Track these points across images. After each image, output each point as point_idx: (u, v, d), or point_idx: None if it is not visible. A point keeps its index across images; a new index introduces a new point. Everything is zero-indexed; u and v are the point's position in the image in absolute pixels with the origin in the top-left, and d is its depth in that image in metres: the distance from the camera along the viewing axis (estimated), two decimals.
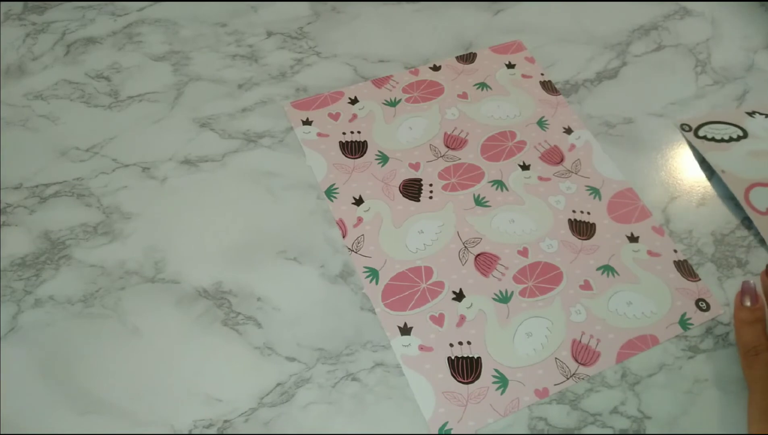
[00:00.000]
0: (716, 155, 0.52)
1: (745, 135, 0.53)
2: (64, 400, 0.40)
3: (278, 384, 0.42)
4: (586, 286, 0.47)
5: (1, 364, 0.42)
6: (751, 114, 0.56)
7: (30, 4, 0.60)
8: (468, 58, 0.60)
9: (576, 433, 0.41)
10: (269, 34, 0.60)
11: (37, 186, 0.49)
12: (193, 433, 0.40)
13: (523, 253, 0.48)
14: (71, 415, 0.40)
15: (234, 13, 0.61)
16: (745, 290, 0.44)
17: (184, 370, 0.42)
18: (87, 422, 0.40)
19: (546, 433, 0.41)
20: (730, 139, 0.53)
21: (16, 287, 0.45)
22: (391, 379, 0.42)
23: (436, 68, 0.59)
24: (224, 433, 0.40)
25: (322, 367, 0.43)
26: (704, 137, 0.54)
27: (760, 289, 0.45)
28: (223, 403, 0.41)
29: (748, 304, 0.44)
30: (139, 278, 0.45)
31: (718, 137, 0.53)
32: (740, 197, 0.50)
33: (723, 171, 0.51)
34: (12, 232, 0.47)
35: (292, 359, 0.43)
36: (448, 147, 0.54)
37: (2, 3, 0.60)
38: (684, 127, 0.55)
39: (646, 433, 0.42)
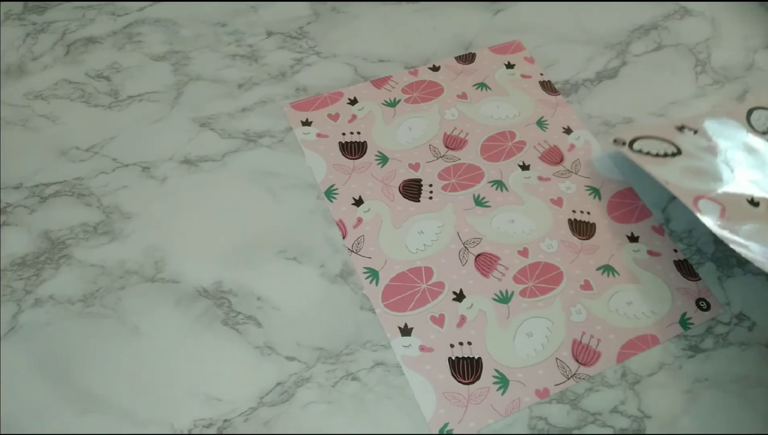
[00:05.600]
0: (657, 169, 0.52)
1: (679, 152, 0.54)
2: (64, 400, 0.40)
3: (278, 383, 0.42)
4: (587, 286, 0.47)
5: (1, 364, 0.42)
6: (680, 129, 0.56)
7: (30, 4, 0.60)
8: (467, 58, 0.60)
9: (576, 432, 0.41)
10: (269, 34, 0.60)
11: (37, 186, 0.49)
12: (192, 432, 0.40)
13: (523, 253, 0.48)
14: (71, 415, 0.40)
15: (234, 13, 0.61)
16: None
17: (184, 370, 0.42)
18: (87, 422, 0.40)
19: (546, 432, 0.41)
20: (666, 155, 0.54)
21: (16, 287, 0.45)
22: (391, 378, 0.42)
23: (435, 68, 0.59)
24: (224, 432, 0.40)
25: (322, 366, 0.43)
26: (640, 151, 0.54)
27: None
28: (223, 402, 0.41)
29: None
30: (139, 278, 0.45)
31: (653, 152, 0.54)
32: (690, 206, 0.49)
33: (668, 182, 0.51)
34: (12, 232, 0.47)
35: (292, 359, 0.43)
36: (447, 147, 0.54)
37: (2, 3, 0.60)
38: (618, 142, 0.54)
39: (646, 432, 0.42)
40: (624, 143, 0.54)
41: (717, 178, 0.52)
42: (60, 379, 0.41)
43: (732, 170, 0.54)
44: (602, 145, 0.55)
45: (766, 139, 0.57)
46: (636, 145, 0.54)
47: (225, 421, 0.40)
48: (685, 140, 0.55)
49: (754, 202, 0.51)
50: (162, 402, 0.41)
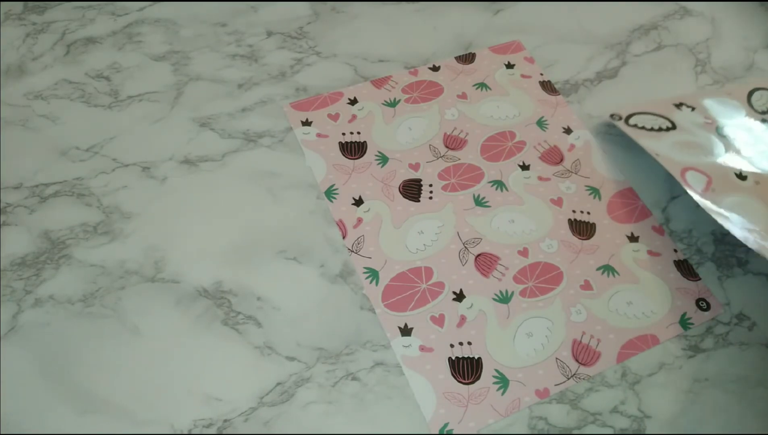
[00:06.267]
0: (648, 141, 0.54)
1: (674, 127, 0.56)
2: (64, 400, 0.40)
3: (278, 383, 0.42)
4: (587, 286, 0.47)
5: (1, 364, 0.42)
6: (678, 105, 0.58)
7: (30, 4, 0.60)
8: (467, 58, 0.60)
9: (576, 432, 0.41)
10: (269, 34, 0.60)
11: (37, 186, 0.49)
12: (192, 432, 0.40)
13: (523, 253, 0.48)
14: (71, 415, 0.40)
15: (234, 13, 0.61)
16: None
17: (184, 370, 0.42)
18: (87, 422, 0.40)
19: (546, 432, 0.41)
20: (660, 130, 0.55)
21: (16, 287, 0.45)
22: (390, 378, 0.42)
23: (435, 68, 0.59)
24: (224, 432, 0.40)
25: (321, 366, 0.43)
26: (635, 126, 0.55)
27: None
28: (222, 402, 0.41)
29: None
30: (139, 278, 0.45)
31: (648, 127, 0.55)
32: (677, 177, 0.51)
33: (657, 154, 0.53)
34: (12, 232, 0.47)
35: (292, 359, 0.43)
36: (447, 147, 0.54)
37: (2, 3, 0.60)
38: (614, 117, 0.56)
39: (646, 432, 0.42)
40: (620, 118, 0.56)
41: (708, 152, 0.54)
42: (60, 379, 0.41)
43: (725, 146, 0.55)
44: (605, 144, 0.55)
45: (765, 118, 0.58)
46: (632, 121, 0.55)
47: (225, 421, 0.40)
48: (681, 116, 0.56)
49: (742, 176, 0.52)
50: (162, 402, 0.41)
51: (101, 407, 0.40)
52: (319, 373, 0.42)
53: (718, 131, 0.56)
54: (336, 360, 0.43)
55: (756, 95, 0.60)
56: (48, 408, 0.40)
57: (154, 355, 0.42)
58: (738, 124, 0.57)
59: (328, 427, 0.41)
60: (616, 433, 0.42)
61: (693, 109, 0.57)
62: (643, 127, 0.55)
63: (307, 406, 0.41)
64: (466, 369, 0.43)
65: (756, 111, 0.59)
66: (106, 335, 0.43)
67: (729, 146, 0.55)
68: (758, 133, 0.57)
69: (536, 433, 0.41)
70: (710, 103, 0.58)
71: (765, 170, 0.54)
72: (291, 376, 0.42)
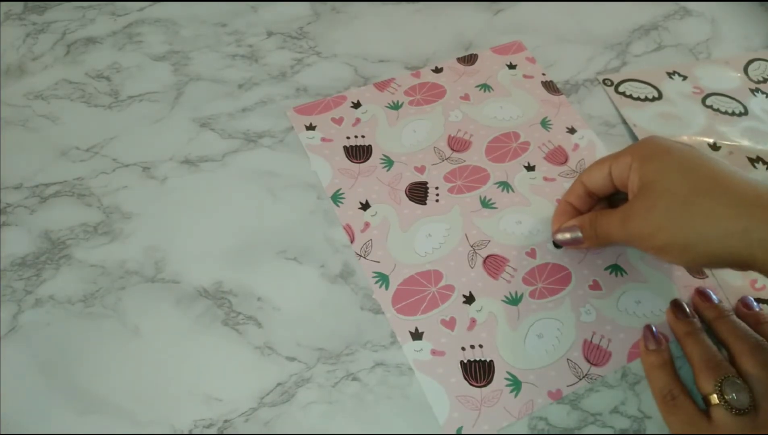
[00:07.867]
0: (630, 111, 0.57)
1: (660, 97, 0.58)
2: (64, 400, 0.40)
3: (278, 384, 0.42)
4: (595, 286, 0.47)
5: (1, 364, 0.41)
6: (671, 74, 0.60)
7: (30, 4, 0.60)
8: (469, 59, 0.60)
9: (576, 432, 0.41)
10: (269, 34, 0.60)
11: (37, 186, 0.49)
12: (193, 433, 0.40)
13: (531, 254, 0.48)
14: (71, 415, 0.40)
15: (234, 13, 0.61)
16: (647, 335, 0.44)
17: (184, 370, 0.42)
18: (87, 422, 0.40)
19: (546, 432, 0.41)
20: (645, 99, 0.58)
21: (17, 287, 0.44)
22: (391, 378, 0.42)
23: (437, 70, 0.59)
24: (224, 433, 0.40)
25: (322, 366, 0.43)
26: (623, 93, 0.58)
27: (666, 328, 0.45)
28: (223, 402, 0.41)
29: (653, 347, 0.43)
30: (139, 278, 0.45)
31: (635, 95, 0.58)
32: None
33: (635, 125, 0.56)
34: (12, 232, 0.47)
35: (292, 359, 0.43)
36: (452, 149, 0.53)
37: (2, 3, 0.60)
38: (606, 82, 0.58)
39: (647, 433, 0.42)
40: (611, 83, 0.58)
41: (686, 124, 0.56)
42: (60, 379, 0.41)
43: (707, 117, 0.57)
44: (606, 144, 0.55)
45: (758, 87, 0.60)
46: (621, 87, 0.58)
47: (225, 421, 0.40)
48: (670, 86, 0.59)
49: (716, 146, 0.54)
50: (162, 402, 0.41)
51: (101, 407, 0.40)
52: (319, 373, 0.42)
53: (704, 101, 0.57)
54: (336, 360, 0.43)
55: (754, 65, 0.61)
56: (48, 408, 0.40)
57: (155, 355, 0.42)
58: (725, 93, 0.58)
59: (328, 428, 0.41)
60: (617, 433, 0.42)
61: (685, 78, 0.59)
62: (630, 96, 0.57)
63: (308, 407, 0.41)
64: (478, 372, 0.43)
65: (751, 80, 0.60)
66: (106, 335, 0.43)
67: (711, 117, 0.56)
68: (743, 103, 0.58)
69: (536, 433, 0.41)
70: (703, 72, 0.60)
71: (740, 142, 0.55)
72: (291, 377, 0.42)
